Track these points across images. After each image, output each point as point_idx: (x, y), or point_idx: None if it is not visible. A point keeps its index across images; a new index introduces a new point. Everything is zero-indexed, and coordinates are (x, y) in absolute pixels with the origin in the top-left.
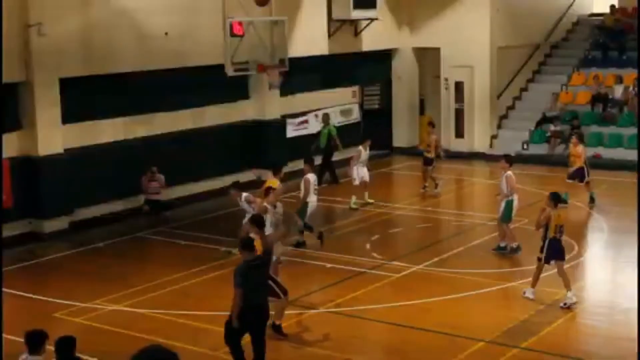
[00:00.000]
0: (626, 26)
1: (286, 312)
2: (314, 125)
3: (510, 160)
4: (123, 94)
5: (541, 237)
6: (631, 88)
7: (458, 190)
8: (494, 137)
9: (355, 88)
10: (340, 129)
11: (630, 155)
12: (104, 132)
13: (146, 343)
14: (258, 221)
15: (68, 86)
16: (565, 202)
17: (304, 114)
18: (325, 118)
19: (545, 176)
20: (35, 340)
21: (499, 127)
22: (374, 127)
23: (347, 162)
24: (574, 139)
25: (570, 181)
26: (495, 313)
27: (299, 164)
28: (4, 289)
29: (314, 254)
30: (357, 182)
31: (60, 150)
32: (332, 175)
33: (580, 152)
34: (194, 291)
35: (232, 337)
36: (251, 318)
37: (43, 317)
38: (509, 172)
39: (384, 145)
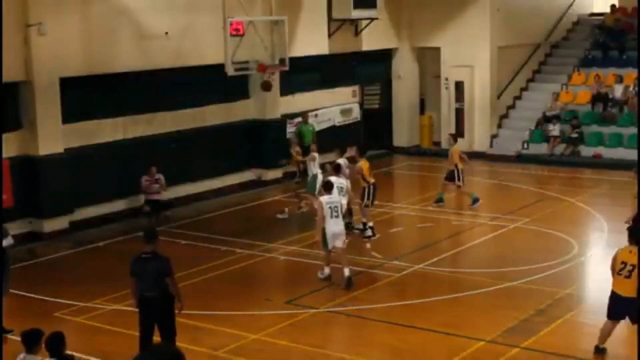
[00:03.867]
0: (626, 26)
1: (285, 311)
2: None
3: None
4: (123, 94)
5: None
6: (631, 88)
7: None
8: (494, 136)
9: (355, 88)
10: (341, 129)
11: (630, 155)
12: (104, 132)
13: None
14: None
15: (68, 86)
16: (441, 200)
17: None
18: (305, 116)
19: (545, 176)
20: (31, 340)
21: (499, 126)
22: (374, 127)
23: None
24: (450, 140)
25: (446, 182)
26: (495, 313)
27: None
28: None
29: (315, 254)
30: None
31: (60, 150)
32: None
33: (451, 152)
34: (194, 291)
35: (141, 324)
36: (144, 309)
37: (43, 317)
38: None
39: (384, 145)
